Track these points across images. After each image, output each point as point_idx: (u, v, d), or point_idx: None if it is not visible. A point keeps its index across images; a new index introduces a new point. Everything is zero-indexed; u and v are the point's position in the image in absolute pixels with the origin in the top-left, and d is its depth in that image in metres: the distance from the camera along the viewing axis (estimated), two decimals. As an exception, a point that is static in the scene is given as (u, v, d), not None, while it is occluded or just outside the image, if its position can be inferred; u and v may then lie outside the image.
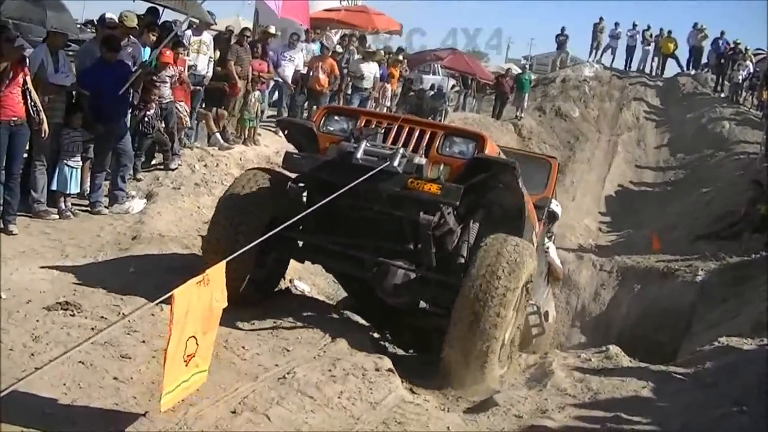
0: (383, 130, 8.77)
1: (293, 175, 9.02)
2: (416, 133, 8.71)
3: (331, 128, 9.10)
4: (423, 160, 8.43)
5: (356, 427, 6.69)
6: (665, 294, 16.69)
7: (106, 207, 12.25)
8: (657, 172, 28.69)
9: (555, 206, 11.93)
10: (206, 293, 5.72)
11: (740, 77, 33.05)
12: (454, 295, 8.36)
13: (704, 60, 37.89)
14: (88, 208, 12.06)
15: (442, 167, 8.54)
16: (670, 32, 38.62)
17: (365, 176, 7.89)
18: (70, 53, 12.35)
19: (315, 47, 21.34)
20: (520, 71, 35.26)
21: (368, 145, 8.44)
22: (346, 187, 7.62)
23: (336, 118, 9.21)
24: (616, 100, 34.14)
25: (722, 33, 36.59)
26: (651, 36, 39.01)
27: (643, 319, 16.20)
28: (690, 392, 8.92)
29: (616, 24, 40.28)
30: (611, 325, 16.41)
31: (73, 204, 11.86)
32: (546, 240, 11.64)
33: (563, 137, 29.96)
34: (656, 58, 39.46)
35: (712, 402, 8.47)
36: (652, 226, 22.63)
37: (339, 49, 22.49)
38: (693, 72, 37.77)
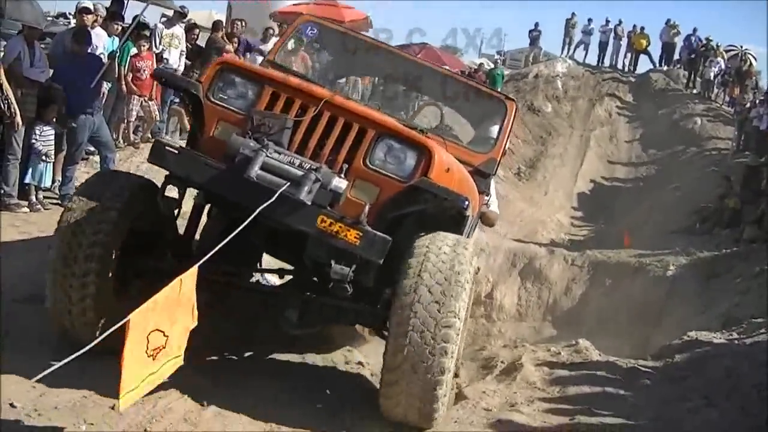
0: (296, 116, 6.41)
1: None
2: (339, 127, 6.42)
3: (226, 95, 6.63)
4: (342, 185, 6.11)
5: (326, 420, 6.71)
6: (636, 288, 16.75)
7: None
8: (629, 167, 28.81)
9: None
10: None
11: (712, 74, 33.22)
12: (380, 312, 6.91)
13: (676, 56, 38.05)
14: (59, 201, 12.00)
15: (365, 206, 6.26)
16: (642, 28, 38.75)
17: (255, 211, 5.76)
18: (43, 46, 12.30)
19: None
20: (492, 66, 35.29)
21: (269, 154, 6.02)
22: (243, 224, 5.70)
23: (234, 79, 6.68)
24: (588, 96, 34.24)
25: (695, 30, 36.85)
26: (623, 31, 39.13)
27: (613, 314, 16.25)
28: (659, 386, 8.99)
29: (589, 20, 40.38)
30: (582, 319, 16.46)
31: (44, 197, 11.81)
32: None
33: (536, 132, 29.99)
34: (629, 54, 39.59)
35: (681, 396, 8.55)
36: (624, 222, 22.73)
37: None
38: (665, 68, 37.89)
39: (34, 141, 11.32)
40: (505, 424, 7.36)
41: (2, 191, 10.99)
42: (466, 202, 6.35)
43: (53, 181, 12.10)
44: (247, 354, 7.66)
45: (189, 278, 5.23)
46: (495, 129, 8.42)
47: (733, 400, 8.31)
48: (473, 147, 8.20)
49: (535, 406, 7.96)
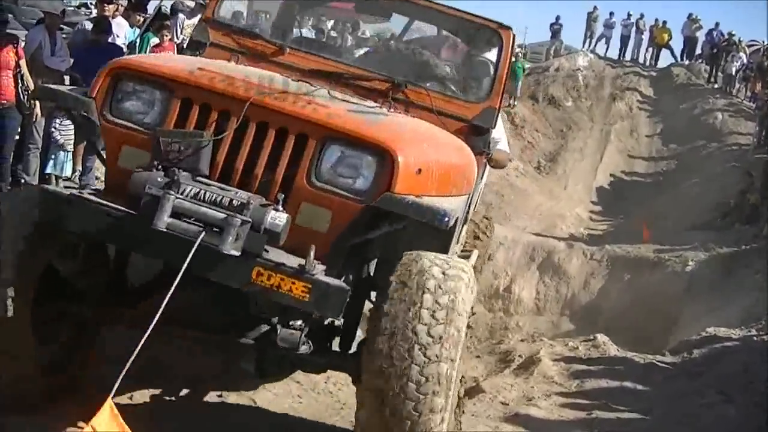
0: (217, 127, 4.77)
1: None
2: (273, 135, 4.77)
3: (127, 109, 4.95)
4: (280, 220, 4.47)
5: (342, 413, 6.71)
6: (655, 283, 16.71)
7: (97, 189, 12.25)
8: (649, 162, 28.67)
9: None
10: None
11: (734, 68, 33.00)
12: (352, 361, 5.25)
13: (698, 51, 37.85)
14: (79, 191, 12.02)
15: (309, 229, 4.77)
16: (664, 22, 38.53)
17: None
18: (64, 36, 12.34)
19: (305, 31, 21.14)
20: (513, 59, 35.07)
21: (179, 195, 4.40)
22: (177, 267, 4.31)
23: (134, 87, 4.99)
24: (609, 90, 34.09)
25: (717, 24, 36.57)
26: (645, 25, 38.95)
27: (631, 309, 16.23)
28: (676, 381, 8.99)
29: (611, 13, 40.15)
30: (600, 313, 16.45)
31: (64, 186, 11.85)
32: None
33: (556, 126, 29.88)
34: (650, 48, 39.39)
35: (698, 391, 8.54)
36: (643, 216, 22.65)
37: (333, 34, 22.36)
38: (687, 62, 37.70)
39: (53, 131, 11.35)
40: (522, 418, 7.38)
41: (23, 181, 11.04)
42: (446, 219, 4.68)
43: (73, 171, 12.13)
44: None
45: (105, 421, 3.83)
46: (489, 69, 6.74)
47: (748, 396, 8.30)
48: (465, 96, 6.61)
49: (553, 400, 7.99)
